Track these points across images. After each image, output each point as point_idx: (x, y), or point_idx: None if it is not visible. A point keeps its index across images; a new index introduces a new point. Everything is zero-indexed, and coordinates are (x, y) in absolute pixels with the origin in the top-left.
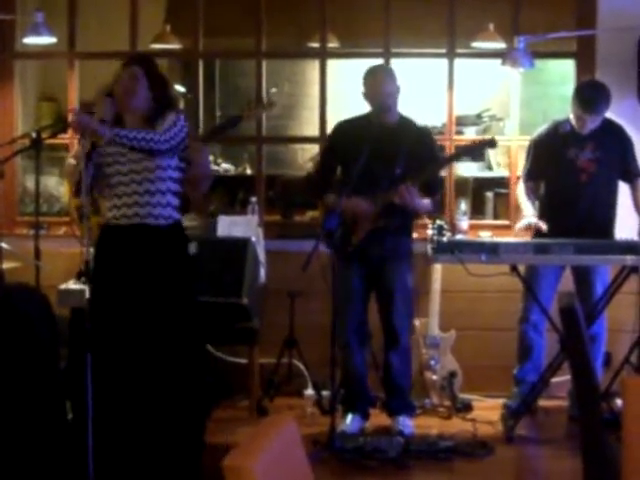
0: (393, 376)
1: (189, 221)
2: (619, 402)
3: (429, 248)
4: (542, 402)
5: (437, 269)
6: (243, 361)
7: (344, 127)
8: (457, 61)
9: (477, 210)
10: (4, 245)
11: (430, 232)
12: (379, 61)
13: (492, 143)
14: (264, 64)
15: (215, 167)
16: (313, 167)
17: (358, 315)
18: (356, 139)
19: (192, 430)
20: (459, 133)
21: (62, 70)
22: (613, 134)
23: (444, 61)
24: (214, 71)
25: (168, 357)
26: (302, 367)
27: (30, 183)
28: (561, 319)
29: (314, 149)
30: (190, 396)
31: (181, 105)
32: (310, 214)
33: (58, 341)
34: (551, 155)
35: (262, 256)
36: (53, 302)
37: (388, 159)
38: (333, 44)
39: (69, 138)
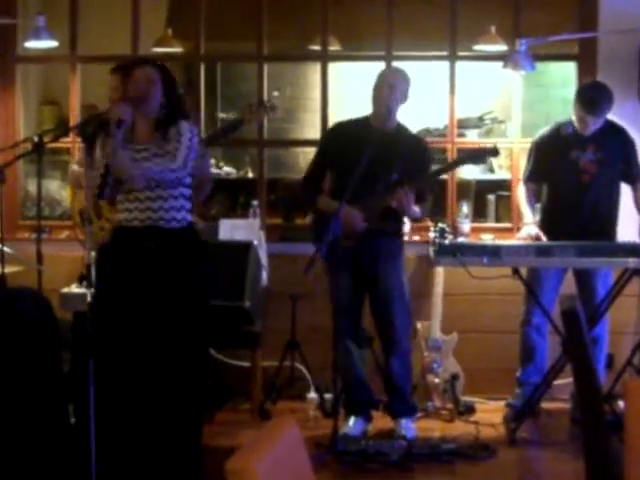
0: (394, 380)
1: None
2: (621, 404)
3: (431, 251)
4: (544, 404)
5: (439, 272)
6: (245, 364)
7: (341, 129)
8: (459, 64)
9: (479, 213)
10: (6, 249)
11: (432, 235)
12: (381, 64)
13: (494, 152)
14: (265, 67)
15: (216, 170)
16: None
17: (353, 319)
18: (355, 141)
19: (189, 435)
20: (461, 136)
21: (64, 74)
22: (615, 136)
23: (446, 64)
24: (215, 75)
25: (172, 357)
26: (304, 370)
27: (32, 187)
28: (563, 322)
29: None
30: (189, 399)
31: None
32: (310, 217)
33: (61, 345)
34: (553, 157)
35: (264, 259)
36: (55, 306)
37: (385, 164)
38: (335, 47)
39: (71, 142)
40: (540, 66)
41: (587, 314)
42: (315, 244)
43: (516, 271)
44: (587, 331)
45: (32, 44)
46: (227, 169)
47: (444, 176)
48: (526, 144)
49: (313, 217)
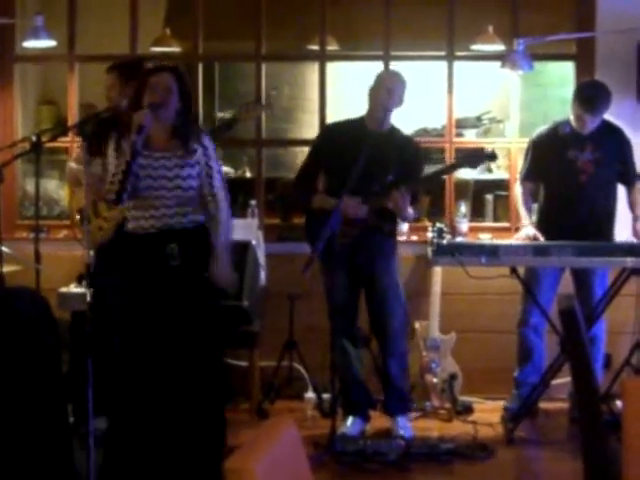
0: (390, 380)
1: None
2: (619, 404)
3: (429, 251)
4: (542, 404)
5: (437, 272)
6: (243, 364)
7: (336, 130)
8: (457, 64)
9: (477, 212)
10: (4, 249)
11: (430, 235)
12: (379, 64)
13: (492, 156)
14: (264, 67)
15: None
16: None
17: (349, 318)
18: (350, 142)
19: (215, 430)
20: (459, 135)
21: (62, 73)
22: (612, 136)
23: (444, 64)
24: (214, 74)
25: (198, 351)
26: (302, 370)
27: (30, 186)
28: (561, 321)
29: None
30: (212, 397)
31: None
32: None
33: (59, 344)
34: (550, 156)
35: (262, 259)
36: (53, 305)
37: (381, 165)
38: (333, 47)
39: (69, 141)
40: (538, 66)
41: (584, 314)
42: (309, 244)
43: (514, 271)
44: (585, 330)
45: (30, 44)
46: (225, 169)
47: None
48: (524, 144)
49: (306, 217)
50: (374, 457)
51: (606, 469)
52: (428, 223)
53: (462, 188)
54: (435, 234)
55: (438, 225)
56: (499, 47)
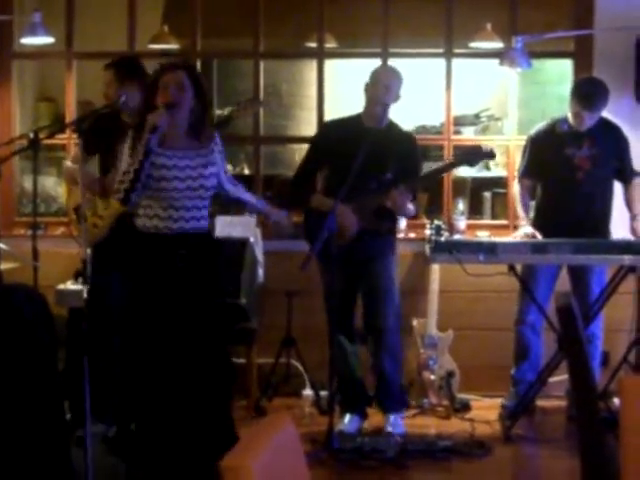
0: (384, 377)
1: None
2: (617, 401)
3: (427, 248)
4: (540, 402)
5: (435, 269)
6: (241, 361)
7: (333, 127)
8: (455, 61)
9: (475, 210)
10: (2, 246)
11: (428, 232)
12: (377, 61)
13: (491, 155)
14: (262, 64)
15: None
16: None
17: (346, 315)
18: (348, 140)
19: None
20: (457, 133)
21: (60, 70)
22: (610, 133)
23: (442, 61)
24: (212, 72)
25: (206, 346)
26: (300, 367)
27: (28, 183)
28: (558, 318)
29: None
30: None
31: None
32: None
33: (56, 341)
34: (548, 153)
35: (260, 256)
36: (51, 302)
37: (379, 162)
38: (331, 44)
39: (67, 138)
40: (536, 63)
41: (582, 311)
42: (308, 242)
43: (512, 268)
44: (582, 328)
45: (28, 40)
46: None
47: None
48: (522, 141)
49: (304, 215)
50: (372, 454)
51: (604, 467)
52: (426, 220)
53: (460, 185)
54: (433, 231)
55: (436, 222)
56: (497, 44)
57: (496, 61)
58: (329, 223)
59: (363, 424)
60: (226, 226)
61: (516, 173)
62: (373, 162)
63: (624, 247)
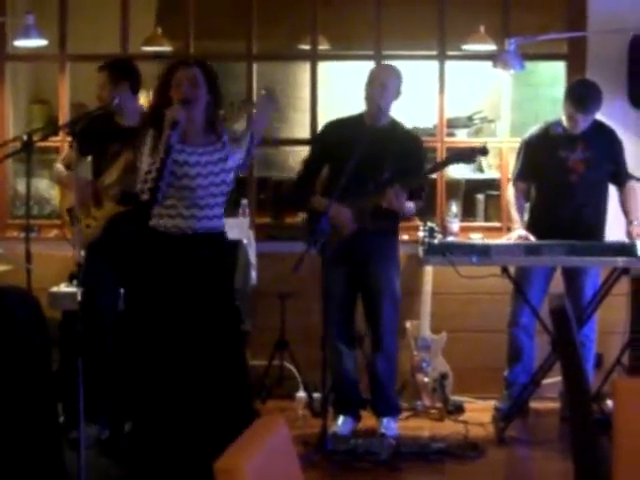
0: (378, 379)
1: None
2: (610, 403)
3: (420, 250)
4: (533, 404)
5: (428, 271)
6: None
7: (335, 127)
8: (448, 63)
9: (468, 212)
10: None
11: (421, 234)
12: (370, 63)
13: (484, 151)
14: (255, 67)
15: None
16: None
17: (345, 317)
18: (348, 139)
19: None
20: (450, 135)
21: (53, 72)
22: (604, 136)
23: (435, 63)
24: None
25: (225, 346)
26: (293, 369)
27: (21, 186)
28: (552, 320)
29: (305, 151)
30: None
31: None
32: (301, 216)
33: (50, 344)
34: (542, 156)
35: (253, 258)
36: (44, 305)
37: (377, 162)
38: (324, 46)
39: (60, 141)
40: (529, 65)
41: (575, 314)
42: (307, 243)
43: (505, 270)
44: (576, 330)
45: (21, 43)
46: None
47: (433, 175)
48: (515, 143)
49: (307, 216)
50: (365, 456)
51: (597, 468)
52: (419, 222)
53: (453, 188)
54: (426, 233)
55: (429, 224)
56: (490, 47)
57: (489, 63)
58: (322, 224)
59: (356, 426)
60: None
61: (510, 176)
62: (371, 162)
63: (617, 249)
